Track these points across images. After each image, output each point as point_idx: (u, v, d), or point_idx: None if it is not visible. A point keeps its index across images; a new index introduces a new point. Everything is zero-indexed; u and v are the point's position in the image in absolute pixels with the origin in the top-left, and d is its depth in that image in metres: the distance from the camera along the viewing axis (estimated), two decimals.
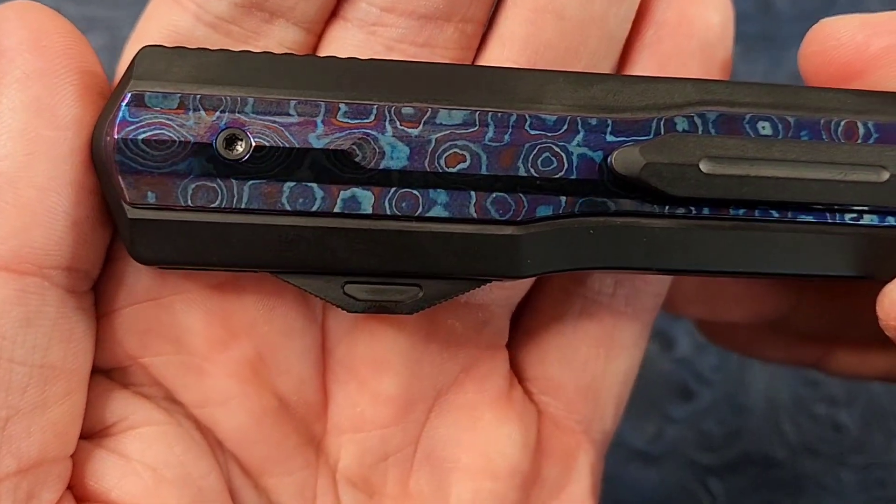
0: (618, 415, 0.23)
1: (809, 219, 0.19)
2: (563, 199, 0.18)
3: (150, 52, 0.18)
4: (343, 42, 0.20)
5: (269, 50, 0.19)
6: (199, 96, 0.18)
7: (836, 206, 0.19)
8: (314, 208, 0.18)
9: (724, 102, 0.19)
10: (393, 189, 0.18)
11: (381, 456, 0.21)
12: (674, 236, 0.19)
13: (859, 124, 0.19)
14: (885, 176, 0.19)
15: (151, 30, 0.19)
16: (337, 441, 0.22)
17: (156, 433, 0.20)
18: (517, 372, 0.23)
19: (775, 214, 0.19)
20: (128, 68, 0.18)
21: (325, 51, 0.20)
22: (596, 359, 0.22)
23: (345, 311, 0.19)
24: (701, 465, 0.38)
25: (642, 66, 0.21)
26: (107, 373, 0.20)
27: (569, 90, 0.19)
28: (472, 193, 0.18)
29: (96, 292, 0.20)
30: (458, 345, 0.22)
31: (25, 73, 0.18)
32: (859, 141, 0.19)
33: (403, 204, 0.18)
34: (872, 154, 0.19)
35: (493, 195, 0.18)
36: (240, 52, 0.18)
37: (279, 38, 0.20)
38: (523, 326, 0.23)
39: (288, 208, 0.18)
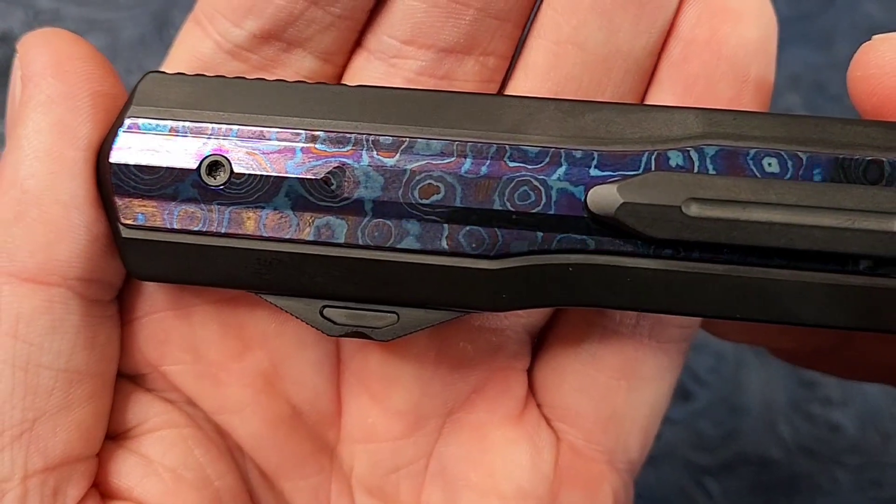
0: (646, 445, 0.23)
1: (816, 267, 0.18)
2: (540, 234, 0.18)
3: (152, 79, 0.19)
4: (366, 73, 0.20)
5: (286, 77, 0.20)
6: (188, 123, 0.18)
7: (843, 256, 0.17)
8: (289, 235, 0.18)
9: (729, 135, 0.18)
10: (366, 218, 0.18)
11: (393, 467, 0.22)
12: (660, 278, 0.18)
13: (886, 163, 0.17)
14: None
15: (180, 55, 0.20)
16: (350, 449, 0.22)
17: (176, 436, 0.21)
18: (536, 397, 0.23)
19: (775, 261, 0.18)
20: (131, 94, 0.19)
21: (349, 81, 0.20)
22: (617, 389, 0.22)
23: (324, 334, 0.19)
24: (697, 465, 0.38)
25: (668, 86, 0.20)
26: (132, 378, 0.21)
27: (558, 120, 0.18)
28: (445, 226, 0.18)
29: (120, 301, 0.21)
30: (470, 366, 0.22)
31: (49, 96, 0.19)
32: (884, 182, 0.17)
33: (376, 234, 0.18)
34: (888, 200, 0.17)
35: (467, 228, 0.18)
36: (234, 78, 0.19)
37: (296, 68, 0.20)
38: (544, 352, 0.23)
39: (265, 234, 0.18)
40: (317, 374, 0.21)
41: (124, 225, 0.19)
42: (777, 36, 0.20)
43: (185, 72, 0.19)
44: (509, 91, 0.20)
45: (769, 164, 0.17)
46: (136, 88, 0.19)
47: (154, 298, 0.21)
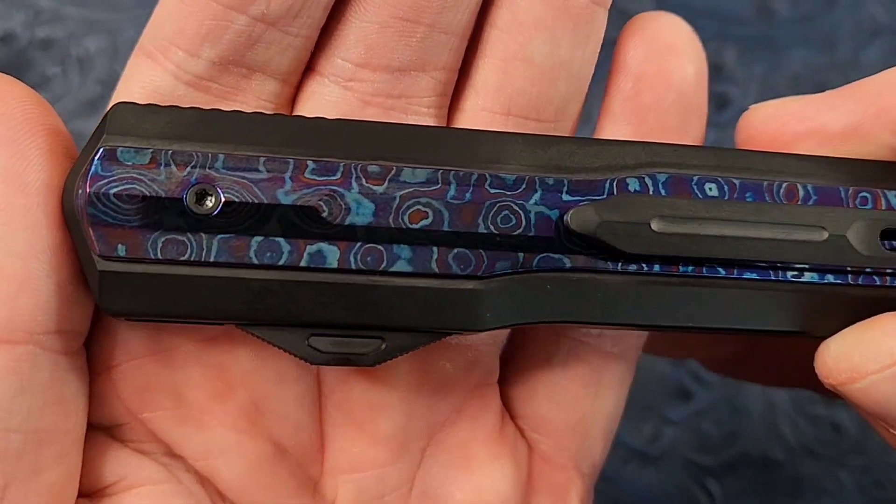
0: (606, 448, 0.24)
1: (754, 276, 0.20)
2: (521, 255, 0.19)
3: (122, 109, 0.18)
4: (321, 97, 0.20)
5: (248, 103, 0.20)
6: (170, 152, 0.18)
7: (779, 264, 0.20)
8: (281, 262, 0.18)
9: (673, 164, 0.20)
10: (358, 244, 0.19)
11: (378, 495, 0.22)
12: (626, 292, 0.20)
13: (799, 187, 0.20)
14: (825, 235, 0.20)
15: (132, 89, 0.20)
16: (334, 482, 0.22)
17: (154, 493, 0.20)
18: (509, 410, 0.23)
19: (722, 272, 0.20)
20: (100, 123, 0.18)
21: (304, 105, 0.20)
22: (585, 397, 0.23)
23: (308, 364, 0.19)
24: (699, 466, 0.38)
25: (623, 118, 0.21)
26: (107, 430, 0.21)
27: (527, 151, 0.20)
28: (435, 249, 0.19)
29: (92, 350, 0.20)
30: (450, 385, 0.22)
31: None
32: (799, 202, 0.20)
33: (368, 258, 0.19)
34: (812, 215, 0.20)
35: (455, 251, 0.19)
36: (210, 109, 0.19)
37: (257, 92, 0.20)
38: (515, 366, 0.23)
39: (255, 262, 0.18)
40: (299, 409, 0.21)
41: (101, 257, 0.18)
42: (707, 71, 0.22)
43: None
44: (463, 110, 0.21)
45: (710, 189, 0.20)
46: (107, 117, 0.18)
47: (131, 344, 0.20)
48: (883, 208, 0.20)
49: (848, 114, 0.21)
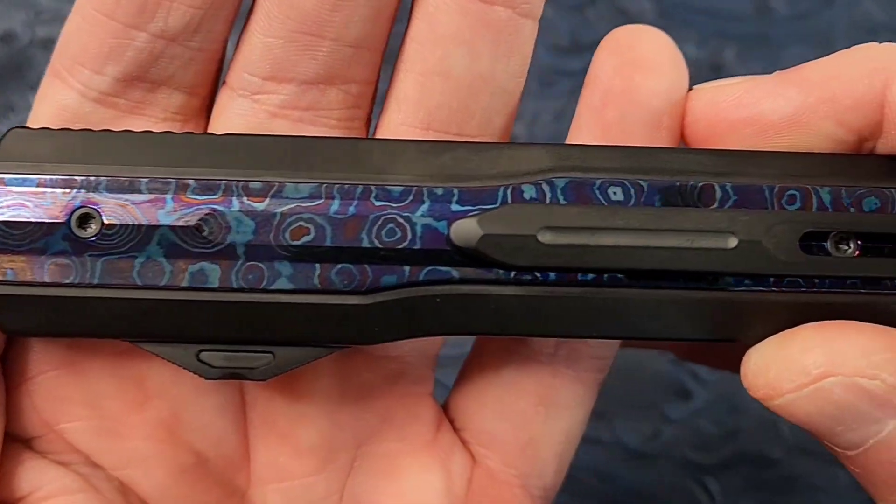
0: (561, 471, 0.23)
1: (663, 285, 0.19)
2: (407, 268, 0.19)
3: (14, 135, 0.19)
4: (231, 110, 0.20)
5: (156, 116, 0.20)
6: (56, 177, 0.18)
7: (685, 273, 0.19)
8: (163, 282, 0.19)
9: (577, 168, 0.19)
10: (239, 262, 0.19)
11: None
12: (522, 303, 0.19)
13: (717, 187, 0.19)
14: (734, 242, 0.19)
15: (44, 109, 0.20)
16: (262, 491, 0.22)
17: (70, 502, 0.20)
18: (456, 422, 0.23)
19: (626, 281, 0.19)
20: None
21: (217, 118, 0.21)
22: (535, 416, 0.22)
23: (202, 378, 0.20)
24: (697, 464, 0.38)
25: (587, 131, 0.21)
26: (25, 441, 0.21)
27: (419, 160, 0.19)
28: (317, 265, 0.19)
29: (8, 363, 0.20)
30: (374, 396, 0.22)
31: None
32: (716, 204, 0.19)
33: (250, 276, 0.19)
34: (722, 220, 0.19)
35: (338, 266, 0.19)
36: (100, 131, 0.19)
37: (165, 105, 0.20)
38: (466, 378, 0.23)
39: (139, 283, 0.19)
40: (220, 419, 0.22)
41: None
42: (687, 87, 0.21)
43: (53, 125, 0.20)
44: (385, 123, 0.21)
45: (614, 193, 0.19)
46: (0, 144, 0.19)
47: (47, 357, 0.20)
48: (814, 207, 0.19)
49: (788, 102, 0.19)
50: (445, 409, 0.23)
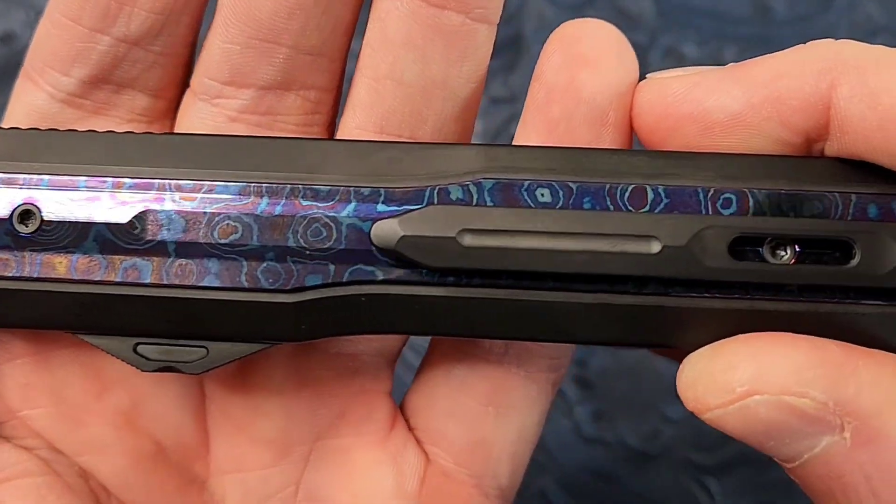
0: (516, 472, 0.23)
1: (587, 288, 0.19)
2: (333, 267, 0.19)
3: None
4: (193, 113, 0.21)
5: (121, 117, 0.21)
6: (1, 175, 0.19)
7: (609, 277, 0.19)
8: (98, 277, 0.19)
9: (507, 168, 0.19)
10: (170, 259, 0.19)
11: (264, 495, 0.22)
12: (447, 303, 0.19)
13: (648, 189, 0.19)
14: (657, 247, 0.18)
15: (17, 110, 0.21)
16: (220, 481, 0.22)
17: (29, 484, 0.21)
18: (410, 420, 0.23)
19: (550, 284, 0.19)
20: None
21: (181, 120, 0.21)
22: (485, 416, 0.22)
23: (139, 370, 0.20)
24: (698, 464, 0.38)
25: (532, 128, 0.20)
26: None
27: (350, 159, 0.19)
28: (244, 263, 0.19)
29: None
30: (330, 393, 0.22)
31: None
32: (647, 207, 0.18)
33: (180, 273, 0.19)
34: (646, 224, 0.18)
35: (265, 264, 0.19)
36: (47, 130, 0.20)
37: (129, 107, 0.21)
38: (418, 377, 0.23)
39: (76, 277, 0.19)
40: (178, 409, 0.22)
41: None
42: (637, 83, 0.20)
43: (23, 125, 0.20)
44: (342, 127, 0.21)
45: (542, 195, 0.19)
46: None
47: (11, 345, 0.21)
48: (750, 211, 0.18)
49: (734, 101, 0.18)
50: (402, 408, 0.24)
